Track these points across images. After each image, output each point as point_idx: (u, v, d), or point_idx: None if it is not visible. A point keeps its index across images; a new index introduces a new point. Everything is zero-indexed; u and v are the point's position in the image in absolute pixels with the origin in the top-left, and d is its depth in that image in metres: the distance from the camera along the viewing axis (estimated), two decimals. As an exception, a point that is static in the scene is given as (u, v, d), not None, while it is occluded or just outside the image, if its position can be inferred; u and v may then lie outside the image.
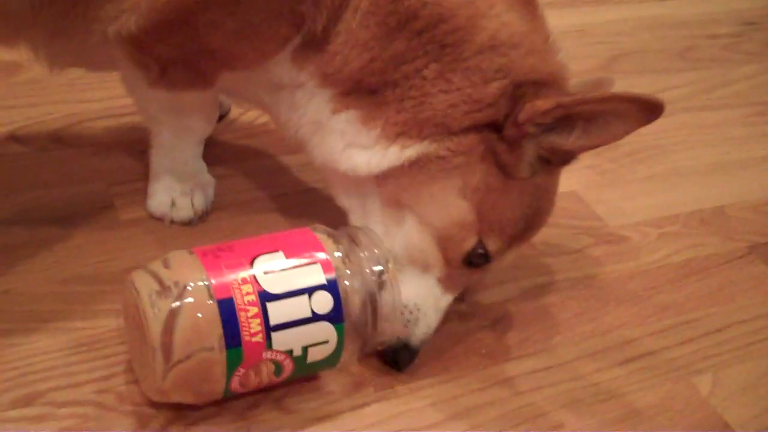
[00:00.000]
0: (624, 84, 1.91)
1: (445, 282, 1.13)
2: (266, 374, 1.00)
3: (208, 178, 1.37)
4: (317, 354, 1.01)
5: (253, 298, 0.96)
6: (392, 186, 1.11)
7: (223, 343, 0.95)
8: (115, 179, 1.39)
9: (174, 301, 0.94)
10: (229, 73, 1.17)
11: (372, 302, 1.03)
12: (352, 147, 1.11)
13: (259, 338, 0.96)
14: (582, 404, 1.14)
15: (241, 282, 0.97)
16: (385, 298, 1.04)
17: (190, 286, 0.95)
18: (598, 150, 1.64)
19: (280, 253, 1.01)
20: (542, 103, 1.03)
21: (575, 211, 1.51)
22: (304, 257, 1.01)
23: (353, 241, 1.06)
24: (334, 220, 1.17)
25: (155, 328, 0.93)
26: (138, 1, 1.06)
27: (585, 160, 1.61)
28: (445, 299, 1.15)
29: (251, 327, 0.96)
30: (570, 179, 1.57)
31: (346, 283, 1.01)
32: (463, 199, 1.08)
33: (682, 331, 1.29)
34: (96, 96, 1.57)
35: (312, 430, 1.05)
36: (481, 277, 1.19)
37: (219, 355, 0.95)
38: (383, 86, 1.08)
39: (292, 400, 1.08)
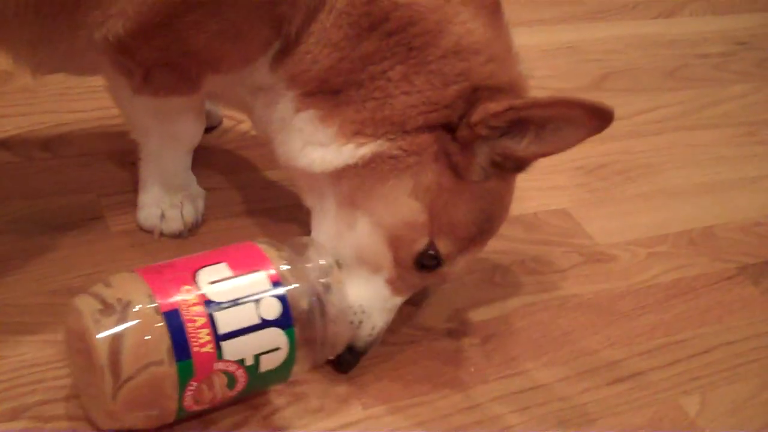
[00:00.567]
0: (615, 102, 1.89)
1: (394, 284, 1.13)
2: (219, 387, 0.98)
3: (197, 190, 1.37)
4: (269, 363, 1.00)
5: (199, 308, 0.96)
6: (346, 185, 1.11)
7: (172, 355, 0.94)
8: (105, 190, 1.39)
9: (118, 318, 0.93)
10: (214, 76, 1.17)
11: (319, 305, 1.03)
12: (309, 144, 1.12)
13: (208, 348, 0.95)
14: (570, 424, 1.14)
15: (185, 293, 0.96)
16: (332, 301, 1.04)
17: (134, 302, 0.95)
18: (588, 168, 1.68)
19: (224, 264, 1.01)
20: (494, 106, 1.03)
21: (565, 229, 1.52)
22: (249, 266, 1.02)
23: (297, 250, 1.06)
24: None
25: (102, 347, 0.92)
26: (125, 6, 1.06)
27: (576, 178, 1.65)
28: (393, 301, 1.14)
29: (200, 337, 0.95)
30: (560, 197, 1.59)
31: (292, 286, 1.01)
32: (415, 200, 1.08)
33: (670, 351, 1.29)
34: (87, 106, 1.56)
35: (300, 448, 1.05)
36: (434, 281, 1.19)
37: (169, 369, 0.94)
38: (348, 86, 1.09)
39: (281, 417, 1.08)
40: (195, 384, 0.96)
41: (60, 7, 1.09)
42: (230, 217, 1.39)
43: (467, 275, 1.36)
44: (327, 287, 1.04)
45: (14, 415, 1.02)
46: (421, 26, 1.07)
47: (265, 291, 1.00)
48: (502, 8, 1.14)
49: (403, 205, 1.09)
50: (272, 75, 1.13)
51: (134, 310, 0.94)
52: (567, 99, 1.00)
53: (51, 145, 1.48)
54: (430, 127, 1.08)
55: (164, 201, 1.32)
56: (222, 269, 1.00)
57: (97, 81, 1.27)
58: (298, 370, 1.04)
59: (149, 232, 1.32)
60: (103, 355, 0.92)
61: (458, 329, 1.26)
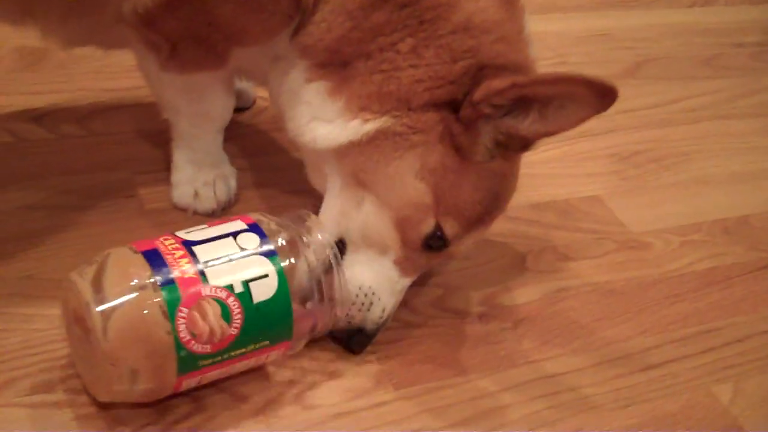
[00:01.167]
0: (649, 90, 1.93)
1: (402, 265, 1.12)
2: (215, 318, 0.96)
3: (229, 169, 1.37)
4: (262, 292, 0.99)
5: (177, 246, 0.99)
6: (352, 163, 1.11)
7: (156, 282, 0.94)
8: (139, 168, 1.40)
9: (98, 265, 0.96)
10: (240, 50, 1.17)
11: (316, 274, 1.03)
12: (316, 119, 1.12)
13: (191, 274, 0.96)
14: (602, 410, 1.14)
15: (163, 240, 1.00)
16: (333, 280, 1.05)
17: (113, 252, 0.99)
18: (623, 156, 1.67)
19: (203, 225, 1.04)
20: (497, 83, 1.02)
21: (598, 216, 1.51)
22: (226, 221, 1.05)
23: (294, 220, 1.08)
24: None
25: (84, 286, 0.94)
26: None
27: (609, 165, 1.64)
28: (402, 283, 1.14)
29: (181, 265, 0.96)
30: (593, 184, 1.58)
31: (282, 242, 1.03)
32: (420, 181, 1.08)
33: (703, 339, 1.28)
34: (122, 85, 1.57)
35: (331, 427, 1.05)
36: (440, 261, 1.18)
37: (154, 294, 0.94)
38: (356, 58, 1.09)
39: (313, 396, 1.08)
40: (185, 310, 0.94)
41: None
42: (261, 197, 1.40)
43: (498, 260, 1.36)
44: (326, 266, 1.05)
45: (50, 387, 1.03)
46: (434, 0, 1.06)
47: (242, 229, 1.03)
48: None
49: (408, 186, 1.08)
50: (290, 45, 1.13)
51: (112, 254, 0.98)
52: (570, 76, 0.99)
53: (86, 122, 1.48)
54: (435, 105, 1.07)
55: (197, 180, 1.33)
56: (200, 227, 1.04)
57: (131, 59, 1.28)
58: (301, 333, 1.05)
59: (183, 210, 1.32)
60: (87, 290, 0.93)
61: (489, 313, 1.26)
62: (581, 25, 2.15)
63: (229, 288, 0.97)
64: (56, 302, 1.13)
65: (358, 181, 1.11)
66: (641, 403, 1.16)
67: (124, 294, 0.93)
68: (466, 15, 1.07)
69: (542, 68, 1.13)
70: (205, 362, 0.97)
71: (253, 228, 1.04)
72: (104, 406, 1.01)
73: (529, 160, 1.16)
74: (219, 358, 0.98)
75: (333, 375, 1.11)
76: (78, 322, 0.96)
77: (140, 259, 0.97)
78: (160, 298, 0.94)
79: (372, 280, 1.11)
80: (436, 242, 1.10)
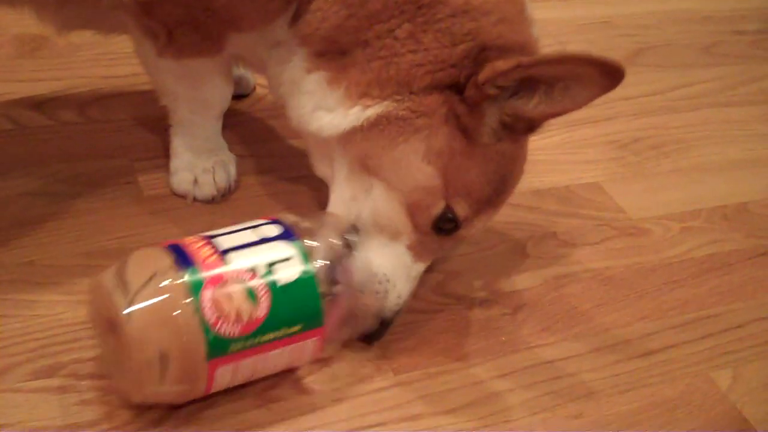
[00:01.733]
0: (649, 77, 1.93)
1: (415, 249, 1.12)
2: (241, 300, 0.95)
3: (229, 155, 1.37)
4: (286, 274, 0.98)
5: (197, 239, 1.00)
6: (357, 150, 1.10)
7: (177, 267, 0.95)
8: (138, 155, 1.40)
9: (120, 261, 0.97)
10: (236, 35, 1.17)
11: (338, 259, 1.03)
12: (319, 109, 1.12)
13: (213, 259, 0.96)
14: (601, 395, 1.14)
15: (182, 238, 1.01)
16: (355, 270, 1.05)
17: (133, 251, 0.99)
18: (622, 142, 1.67)
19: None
20: (502, 64, 1.02)
21: (598, 202, 1.51)
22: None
23: (317, 221, 1.07)
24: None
25: (107, 279, 0.94)
26: None
27: (609, 152, 1.64)
28: (416, 268, 1.14)
29: (202, 253, 0.97)
30: (593, 171, 1.58)
31: (306, 242, 1.02)
32: (428, 164, 1.07)
33: (702, 325, 1.28)
34: (121, 72, 1.57)
35: (330, 411, 1.05)
36: (452, 245, 1.18)
37: (176, 275, 0.94)
38: (354, 46, 1.08)
39: (312, 381, 1.08)
40: (209, 292, 0.94)
41: None
42: (261, 184, 1.39)
43: (498, 246, 1.36)
44: (346, 253, 1.05)
45: (51, 372, 1.03)
46: None
47: (262, 224, 1.03)
48: None
49: (415, 169, 1.08)
50: (288, 32, 1.13)
51: (133, 252, 0.98)
52: (576, 55, 0.98)
53: (85, 109, 1.49)
54: (437, 87, 1.07)
55: (196, 166, 1.33)
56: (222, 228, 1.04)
57: (130, 47, 1.28)
58: (330, 348, 1.06)
59: (182, 197, 1.33)
60: (111, 280, 0.94)
61: (490, 299, 1.26)
62: (581, 13, 2.15)
63: (252, 270, 0.97)
64: (57, 288, 1.14)
65: (365, 168, 1.11)
66: (640, 388, 1.16)
67: (145, 280, 0.93)
68: None
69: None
70: (236, 346, 0.95)
71: (273, 221, 1.04)
72: (105, 392, 1.01)
73: (529, 146, 1.16)
74: (250, 342, 0.96)
75: (332, 360, 1.11)
76: (106, 320, 0.96)
77: (161, 251, 0.97)
78: (182, 280, 0.94)
79: (386, 267, 1.11)
80: (447, 224, 1.10)
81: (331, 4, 1.08)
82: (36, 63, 1.58)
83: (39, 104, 1.48)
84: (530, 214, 1.43)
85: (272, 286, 0.97)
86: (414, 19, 1.07)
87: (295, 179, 1.41)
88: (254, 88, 1.60)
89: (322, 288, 1.00)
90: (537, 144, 1.21)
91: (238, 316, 0.95)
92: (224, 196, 1.34)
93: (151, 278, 0.93)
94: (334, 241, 1.05)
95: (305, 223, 1.05)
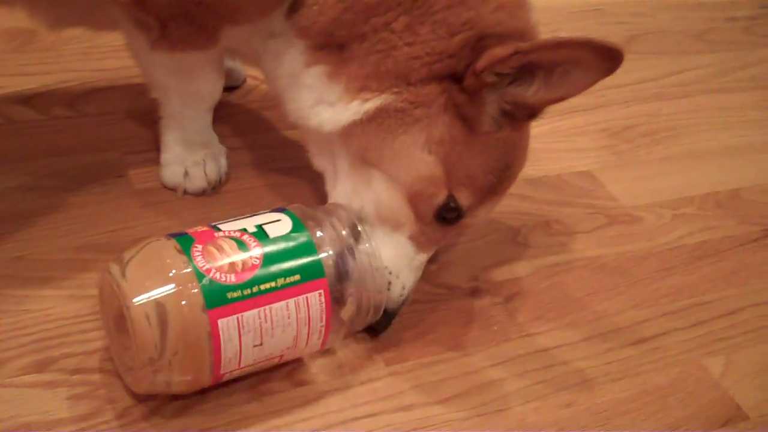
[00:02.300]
0: (641, 65, 1.93)
1: (418, 240, 1.12)
2: (231, 249, 0.96)
3: (219, 148, 1.37)
4: (276, 230, 1.00)
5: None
6: (357, 144, 1.10)
7: (168, 235, 0.98)
8: (128, 148, 1.39)
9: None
10: (231, 28, 1.16)
11: (349, 254, 1.03)
12: (319, 103, 1.11)
13: (204, 228, 1.00)
14: (594, 383, 1.14)
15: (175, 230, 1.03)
16: (364, 263, 1.04)
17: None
18: (614, 130, 1.67)
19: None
20: (500, 50, 1.01)
21: (590, 190, 1.51)
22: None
23: (326, 213, 1.07)
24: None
25: (111, 266, 0.96)
26: None
27: (601, 140, 1.64)
28: (419, 258, 1.14)
29: (196, 229, 1.00)
30: (585, 159, 1.58)
31: (319, 234, 1.02)
32: (428, 153, 1.07)
33: (695, 312, 1.28)
34: (111, 65, 1.56)
35: (323, 403, 1.05)
36: (455, 234, 1.18)
37: (167, 241, 0.97)
38: (351, 40, 1.08)
39: (304, 373, 1.08)
40: (200, 246, 0.96)
41: None
42: (253, 176, 1.39)
43: (490, 235, 1.36)
44: (354, 245, 1.04)
45: (41, 367, 1.02)
46: None
47: (268, 210, 1.06)
48: None
49: (416, 159, 1.08)
50: (285, 23, 1.12)
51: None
52: (574, 39, 0.97)
53: (75, 103, 1.48)
54: (435, 78, 1.06)
55: (187, 159, 1.32)
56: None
57: (121, 39, 1.27)
58: (334, 338, 1.06)
59: (173, 190, 1.32)
60: (112, 265, 0.95)
61: (481, 288, 1.26)
62: (574, 0, 2.14)
63: (243, 230, 0.99)
64: (48, 282, 1.13)
65: (366, 160, 1.10)
66: (633, 376, 1.16)
67: (138, 249, 0.96)
68: None
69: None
70: (234, 294, 0.94)
71: (277, 210, 1.05)
72: (96, 386, 1.01)
73: (519, 135, 1.16)
74: (249, 290, 0.95)
75: (324, 352, 1.10)
76: (108, 302, 0.97)
77: (165, 239, 0.99)
78: (173, 241, 0.96)
79: (388, 258, 1.10)
80: (450, 213, 1.09)
81: None
82: (25, 57, 1.57)
83: (28, 98, 1.47)
84: (522, 202, 1.43)
85: (262, 239, 0.99)
86: (411, 11, 1.06)
87: (287, 170, 1.41)
88: (245, 80, 1.60)
89: (331, 284, 1.01)
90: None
91: (232, 265, 0.95)
92: (215, 188, 1.33)
93: (143, 244, 0.97)
94: (342, 231, 1.04)
95: (311, 212, 1.05)
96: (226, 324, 0.94)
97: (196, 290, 0.93)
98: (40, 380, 1.01)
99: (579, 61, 0.98)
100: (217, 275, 0.94)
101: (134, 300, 0.92)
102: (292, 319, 0.99)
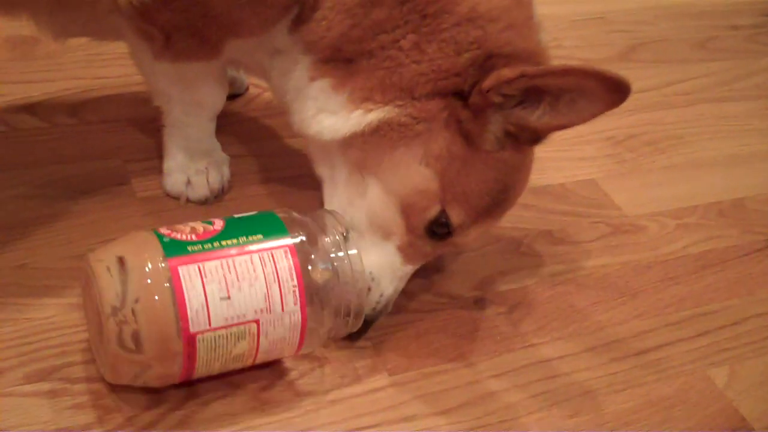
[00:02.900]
0: (644, 73, 1.93)
1: (406, 251, 1.12)
2: (195, 224, 1.00)
3: (222, 156, 1.37)
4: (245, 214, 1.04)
5: None
6: (356, 154, 1.10)
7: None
8: (130, 156, 1.39)
9: None
10: (234, 41, 1.16)
11: (335, 272, 1.02)
12: (321, 112, 1.11)
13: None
14: (597, 394, 1.14)
15: None
16: (346, 270, 1.03)
17: None
18: (617, 139, 1.67)
19: None
20: (507, 72, 1.01)
21: (593, 199, 1.50)
22: None
23: (314, 219, 1.07)
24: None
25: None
26: None
27: (604, 149, 1.64)
28: (404, 270, 1.13)
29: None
30: (589, 168, 1.58)
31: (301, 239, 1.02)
32: (426, 167, 1.07)
33: (699, 322, 1.28)
34: (113, 72, 1.56)
35: (325, 413, 1.05)
36: (445, 250, 1.18)
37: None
38: (359, 56, 1.08)
39: (306, 383, 1.07)
40: (166, 228, 0.99)
41: None
42: (255, 184, 1.39)
43: (493, 244, 1.36)
44: (340, 257, 1.04)
45: (42, 376, 1.02)
46: None
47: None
48: None
49: (414, 172, 1.07)
50: (290, 39, 1.12)
51: None
52: (582, 68, 0.97)
53: (77, 111, 1.48)
54: (440, 94, 1.06)
55: (189, 167, 1.32)
56: None
57: (123, 47, 1.27)
58: (312, 343, 1.05)
59: (175, 198, 1.32)
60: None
61: (484, 298, 1.25)
62: (576, 9, 2.14)
63: (211, 221, 1.02)
64: (49, 291, 1.13)
65: (363, 169, 1.10)
66: (636, 386, 1.16)
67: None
68: (471, 5, 1.05)
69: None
70: (194, 248, 0.96)
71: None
72: (98, 396, 1.01)
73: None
74: (210, 245, 0.97)
75: (326, 361, 1.10)
76: (86, 290, 0.98)
77: None
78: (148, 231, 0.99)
79: (372, 264, 1.10)
80: (440, 229, 1.09)
81: (336, 12, 1.07)
82: (28, 65, 1.57)
83: (31, 106, 1.47)
84: (525, 211, 1.43)
85: (228, 218, 1.02)
86: (419, 29, 1.05)
87: (289, 179, 1.40)
88: (247, 88, 1.60)
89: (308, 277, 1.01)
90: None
91: (193, 229, 0.99)
92: (217, 197, 1.33)
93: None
94: (329, 237, 1.04)
95: (298, 216, 1.05)
96: (187, 271, 0.95)
97: (157, 246, 0.95)
98: (41, 389, 1.01)
99: (585, 90, 0.98)
100: (178, 235, 0.97)
101: (98, 259, 0.95)
102: (259, 273, 0.98)
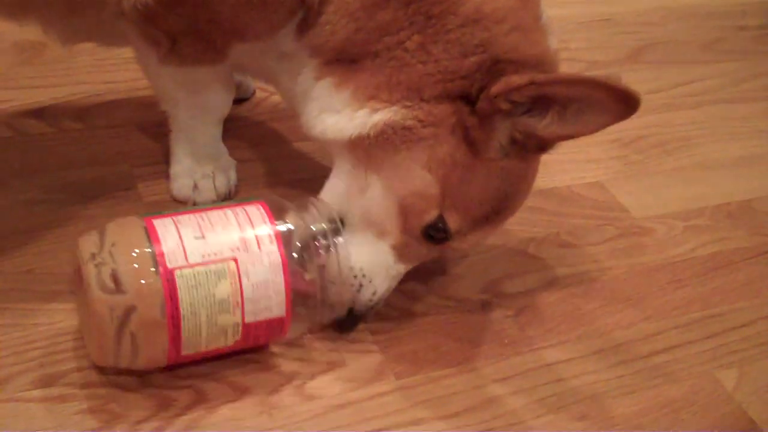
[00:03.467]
0: (651, 75, 1.92)
1: (399, 251, 1.11)
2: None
3: (229, 161, 1.37)
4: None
5: None
6: (361, 154, 1.10)
7: None
8: (138, 161, 1.39)
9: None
10: (240, 45, 1.16)
11: (316, 255, 1.04)
12: (325, 111, 1.11)
13: None
14: (605, 397, 1.13)
15: None
16: (333, 260, 1.04)
17: None
18: (625, 141, 1.66)
19: None
20: (516, 79, 1.00)
21: (601, 201, 1.50)
22: None
23: (302, 208, 1.07)
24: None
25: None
26: None
27: (612, 151, 1.64)
28: (396, 268, 1.13)
29: None
30: (596, 170, 1.57)
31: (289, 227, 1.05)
32: (428, 171, 1.06)
33: (707, 325, 1.28)
34: (120, 77, 1.57)
35: (333, 417, 1.05)
36: (440, 254, 1.18)
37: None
38: (364, 57, 1.08)
39: (314, 387, 1.08)
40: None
41: None
42: (262, 188, 1.39)
43: (500, 247, 1.36)
44: (326, 246, 1.05)
45: (49, 381, 1.02)
46: None
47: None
48: None
49: (415, 176, 1.07)
50: (296, 43, 1.12)
51: None
52: (592, 79, 0.96)
53: (84, 116, 1.48)
54: (448, 97, 1.05)
55: (196, 172, 1.32)
56: None
57: (130, 52, 1.27)
58: (297, 328, 1.06)
59: (182, 203, 1.32)
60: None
61: (492, 301, 1.25)
62: (583, 10, 2.14)
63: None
64: (57, 296, 1.13)
65: (366, 166, 1.10)
66: (645, 389, 1.15)
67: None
68: (476, 5, 1.04)
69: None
70: (168, 211, 1.04)
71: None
72: (105, 401, 1.01)
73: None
74: (184, 208, 1.05)
75: (334, 365, 1.10)
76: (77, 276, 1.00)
77: None
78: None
79: (365, 261, 1.10)
80: (437, 233, 1.09)
81: (340, 17, 1.07)
82: (35, 70, 1.58)
83: (38, 111, 1.47)
84: (532, 214, 1.43)
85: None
86: (424, 30, 1.05)
87: (296, 182, 1.40)
88: (254, 92, 1.60)
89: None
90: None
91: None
92: (224, 201, 1.33)
93: None
94: (316, 225, 1.05)
95: (288, 203, 1.06)
96: (162, 222, 1.01)
97: (135, 215, 1.03)
98: (49, 395, 1.01)
99: (594, 100, 0.97)
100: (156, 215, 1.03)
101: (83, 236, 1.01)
102: (231, 220, 1.02)
